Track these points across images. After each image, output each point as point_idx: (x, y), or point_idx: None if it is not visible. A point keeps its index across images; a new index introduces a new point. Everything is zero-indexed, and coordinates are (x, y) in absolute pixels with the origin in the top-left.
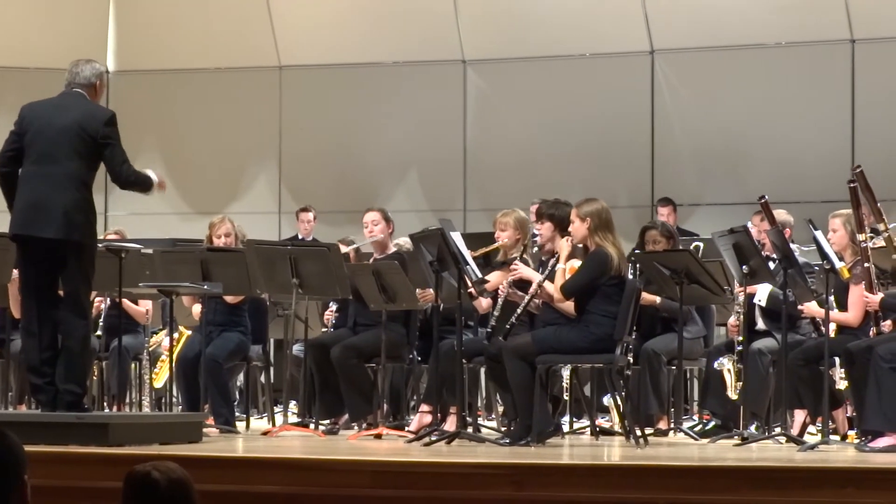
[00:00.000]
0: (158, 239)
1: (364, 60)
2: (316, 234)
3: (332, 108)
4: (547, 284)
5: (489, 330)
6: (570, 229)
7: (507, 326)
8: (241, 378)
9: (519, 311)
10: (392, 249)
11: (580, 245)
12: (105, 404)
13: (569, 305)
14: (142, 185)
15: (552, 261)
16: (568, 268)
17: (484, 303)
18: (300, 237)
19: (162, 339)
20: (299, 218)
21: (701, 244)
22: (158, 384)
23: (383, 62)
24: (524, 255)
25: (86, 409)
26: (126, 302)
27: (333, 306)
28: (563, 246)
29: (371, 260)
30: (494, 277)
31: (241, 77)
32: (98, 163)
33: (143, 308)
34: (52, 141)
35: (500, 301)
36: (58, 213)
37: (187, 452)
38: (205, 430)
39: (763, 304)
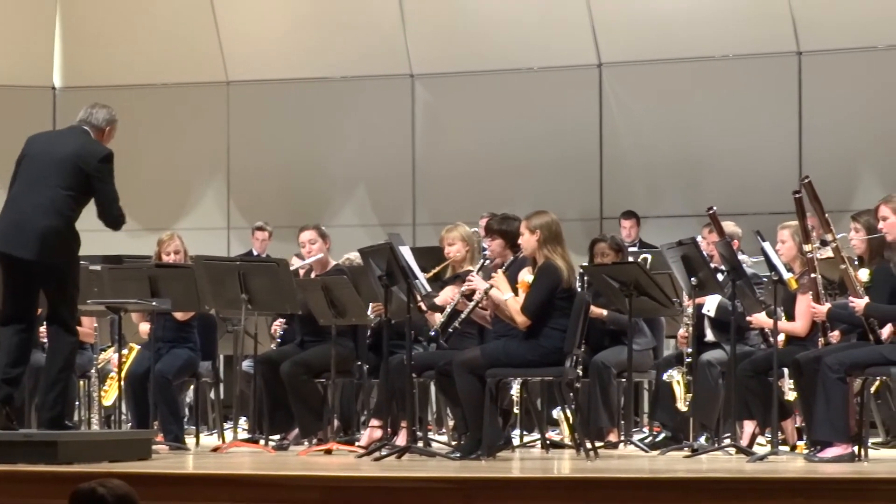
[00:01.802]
0: (106, 255)
1: (312, 75)
2: (266, 250)
3: (280, 123)
4: (511, 306)
5: (433, 333)
6: (519, 242)
7: (450, 330)
8: (190, 394)
9: (463, 315)
10: (332, 265)
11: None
12: None
13: None
14: (121, 226)
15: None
16: (520, 282)
17: (437, 317)
18: (255, 254)
19: (110, 356)
20: (254, 235)
21: (649, 256)
22: (108, 402)
23: (331, 77)
24: (487, 268)
25: (68, 426)
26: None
27: (281, 319)
28: (500, 280)
29: (312, 276)
30: (445, 293)
31: (189, 93)
32: (87, 197)
33: (90, 325)
34: (46, 168)
35: (448, 308)
36: (35, 235)
37: (137, 470)
38: (154, 447)
39: (712, 314)
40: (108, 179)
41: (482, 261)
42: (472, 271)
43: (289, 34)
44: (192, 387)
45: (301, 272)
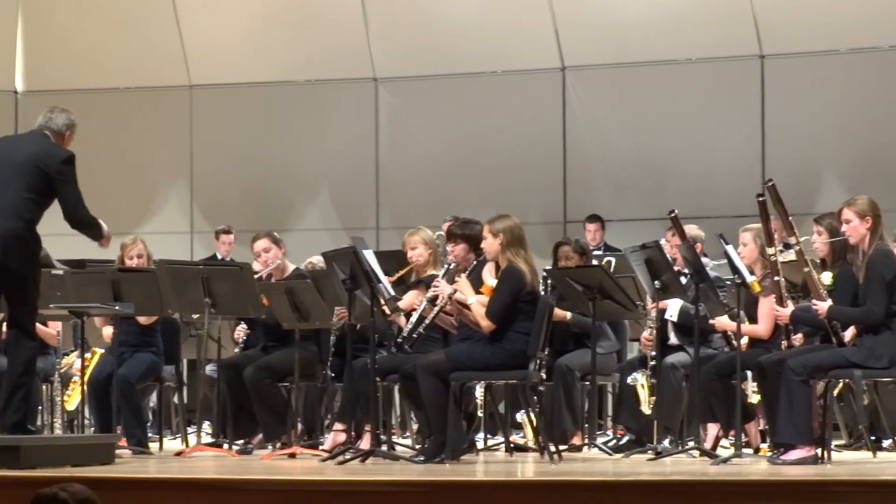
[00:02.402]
0: (69, 260)
1: (275, 79)
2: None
3: (244, 127)
4: (475, 311)
5: (399, 340)
6: (482, 245)
7: (414, 336)
8: (153, 399)
9: (427, 321)
10: (290, 270)
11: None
12: None
13: None
14: (94, 229)
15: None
16: (484, 286)
17: (401, 320)
18: (220, 258)
19: (73, 360)
20: (220, 239)
21: (613, 259)
22: (71, 406)
23: (295, 80)
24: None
25: (30, 430)
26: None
27: (244, 324)
28: (463, 284)
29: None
30: (409, 297)
31: (152, 96)
32: (49, 200)
33: (53, 329)
34: (6, 172)
35: (414, 315)
36: None
37: (100, 474)
38: (117, 451)
39: (675, 319)
40: (72, 180)
41: (446, 266)
42: (436, 276)
43: (252, 38)
44: (155, 391)
45: (263, 277)
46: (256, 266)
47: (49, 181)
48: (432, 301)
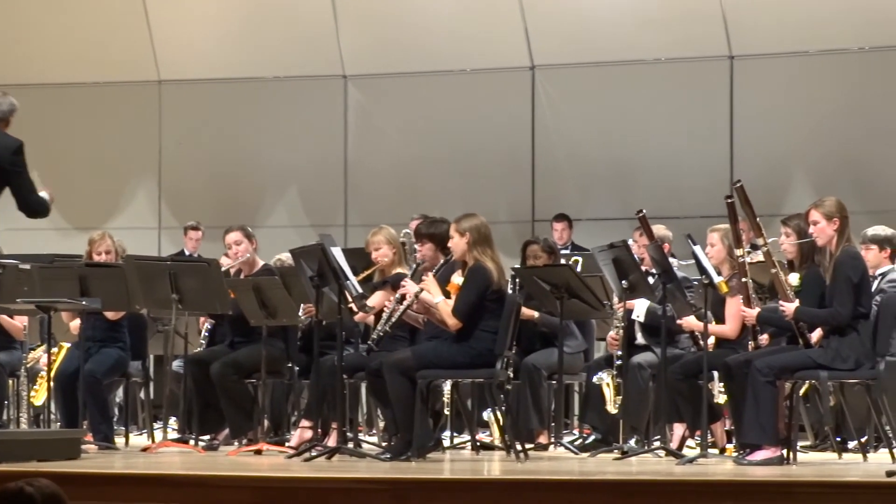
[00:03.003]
0: (36, 254)
1: (244, 75)
2: (198, 250)
3: (212, 123)
4: (441, 310)
5: (370, 342)
6: (449, 244)
7: (380, 334)
8: (120, 394)
9: (393, 319)
10: (260, 265)
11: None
12: None
13: None
14: (45, 210)
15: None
16: (451, 285)
17: (370, 319)
18: (187, 253)
19: (40, 355)
20: (188, 235)
21: (580, 259)
22: (37, 401)
23: (264, 77)
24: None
25: None
26: (3, 317)
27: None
28: (430, 283)
29: (241, 277)
30: (376, 297)
31: (121, 92)
32: (1, 190)
33: (20, 324)
34: None
35: (384, 316)
36: None
37: (65, 469)
38: (83, 446)
39: (642, 319)
40: (24, 170)
41: (414, 265)
42: (403, 274)
43: (221, 34)
44: (121, 386)
45: (232, 272)
46: (225, 261)
47: (1, 172)
48: (400, 300)
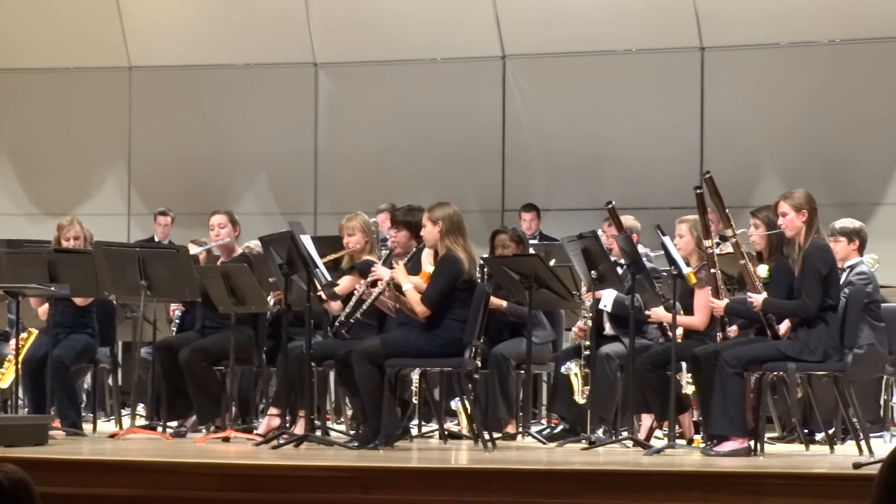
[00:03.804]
0: (5, 240)
1: (215, 62)
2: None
3: (183, 109)
4: (410, 297)
5: (338, 323)
6: (421, 233)
7: (351, 321)
8: (88, 380)
9: (364, 306)
10: (238, 252)
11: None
12: None
13: None
14: None
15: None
16: (422, 273)
17: (335, 305)
18: (157, 240)
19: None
20: (157, 220)
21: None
22: (3, 385)
23: (234, 64)
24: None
25: None
26: None
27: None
28: (400, 271)
29: (218, 263)
30: (344, 282)
31: (91, 77)
32: None
33: None
34: None
35: (353, 300)
36: None
37: (33, 455)
38: (51, 432)
39: (609, 309)
40: None
41: (387, 252)
42: (371, 261)
43: (192, 20)
44: (89, 372)
45: (201, 257)
46: (193, 248)
47: None
48: (371, 286)
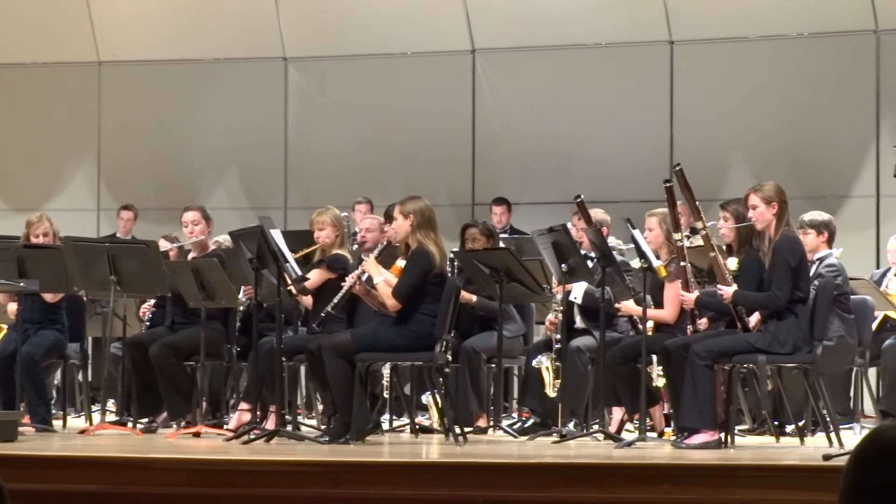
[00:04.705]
0: None
1: (185, 57)
2: (136, 232)
3: (153, 104)
4: (381, 290)
5: (323, 314)
6: (392, 226)
7: (322, 315)
8: (58, 376)
9: (335, 300)
10: (212, 248)
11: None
12: None
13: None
14: None
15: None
16: (394, 267)
17: (306, 300)
18: (119, 235)
19: None
20: (119, 216)
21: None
22: None
23: (204, 59)
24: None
25: None
26: None
27: (150, 301)
28: (370, 264)
29: (189, 258)
30: (314, 276)
31: (60, 73)
32: None
33: None
34: None
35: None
36: None
37: (2, 451)
38: (20, 428)
39: (579, 301)
40: None
41: (382, 244)
42: (341, 255)
43: (161, 15)
44: (59, 368)
45: (172, 254)
46: (164, 245)
47: None
48: (360, 278)
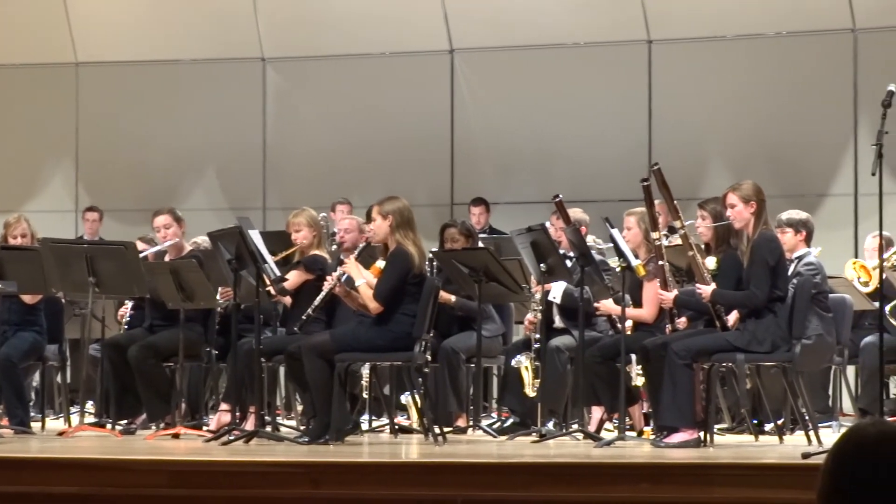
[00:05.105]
0: None
1: (162, 58)
2: (115, 233)
3: (130, 105)
4: (363, 292)
5: (304, 317)
6: (370, 227)
7: (303, 318)
8: (36, 378)
9: (316, 303)
10: (188, 249)
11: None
12: None
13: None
14: None
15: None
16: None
17: (286, 300)
18: (86, 237)
19: None
20: (84, 217)
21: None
22: None
23: (182, 59)
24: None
25: None
26: None
27: (129, 304)
28: (351, 266)
29: (167, 261)
30: (292, 277)
31: (37, 74)
32: None
33: None
34: None
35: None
36: None
37: None
38: None
39: (558, 300)
40: None
41: (362, 245)
42: (319, 256)
43: (139, 16)
44: (38, 370)
45: (150, 257)
46: (140, 247)
47: None
48: (340, 279)
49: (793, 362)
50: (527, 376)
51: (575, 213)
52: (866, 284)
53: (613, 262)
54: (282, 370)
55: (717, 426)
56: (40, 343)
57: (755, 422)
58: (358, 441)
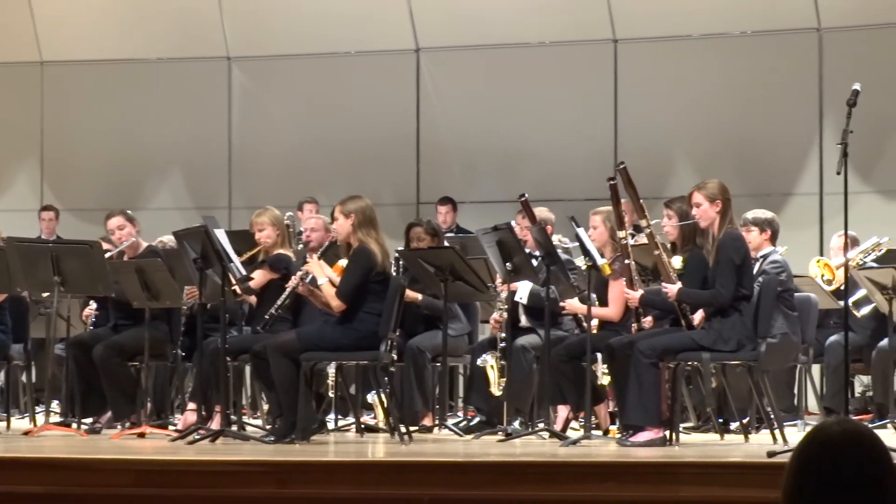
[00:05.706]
0: None
1: (127, 56)
2: (81, 233)
3: (95, 104)
4: (325, 291)
5: (268, 316)
6: (333, 226)
7: (266, 317)
8: (1, 377)
9: (279, 302)
10: (143, 247)
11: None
12: None
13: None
14: None
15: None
16: (335, 266)
17: (251, 299)
18: (42, 236)
19: None
20: (41, 217)
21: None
22: None
23: (147, 58)
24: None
25: None
26: None
27: (93, 304)
28: (314, 265)
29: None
30: (257, 276)
31: (2, 72)
32: None
33: None
34: None
35: (287, 291)
36: None
37: None
38: None
39: (525, 301)
40: None
41: (329, 242)
42: (284, 255)
43: (104, 15)
44: (2, 370)
45: (114, 258)
46: (105, 246)
47: None
48: (303, 279)
49: (758, 361)
50: (493, 375)
51: (541, 212)
52: (829, 282)
53: (579, 261)
54: (248, 369)
55: (682, 425)
56: (5, 342)
57: (720, 420)
58: (324, 440)
